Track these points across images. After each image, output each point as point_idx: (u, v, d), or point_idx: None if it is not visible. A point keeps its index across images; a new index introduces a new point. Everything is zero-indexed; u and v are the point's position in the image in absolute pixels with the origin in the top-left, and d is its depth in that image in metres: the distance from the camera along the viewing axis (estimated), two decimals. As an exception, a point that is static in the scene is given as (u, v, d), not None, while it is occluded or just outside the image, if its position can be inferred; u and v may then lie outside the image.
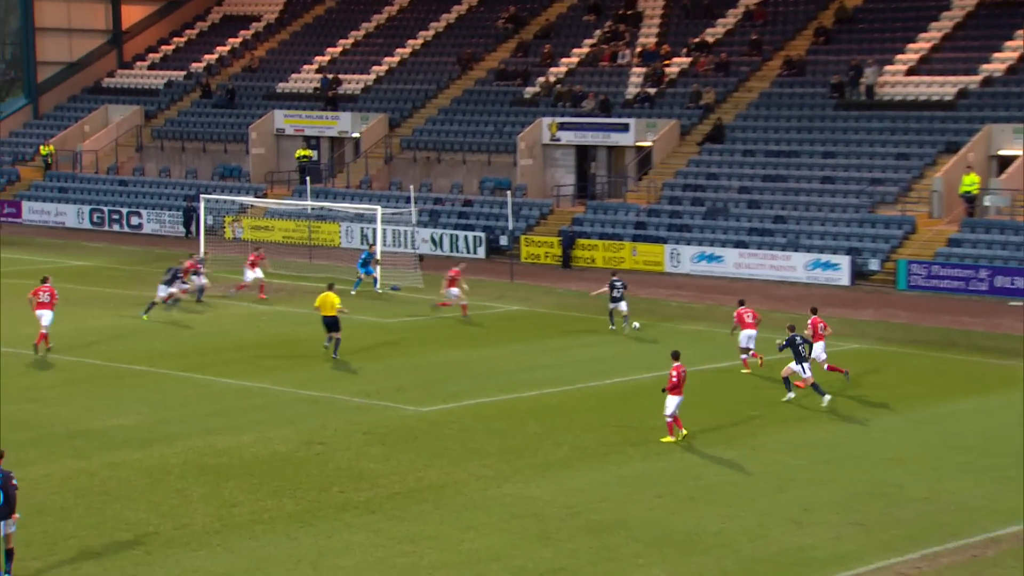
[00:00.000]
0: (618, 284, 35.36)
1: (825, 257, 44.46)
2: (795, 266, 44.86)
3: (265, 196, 57.79)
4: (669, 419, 23.49)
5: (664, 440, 23.48)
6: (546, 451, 23.22)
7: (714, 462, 22.28)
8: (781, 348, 26.92)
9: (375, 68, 64.19)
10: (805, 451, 23.08)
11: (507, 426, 24.98)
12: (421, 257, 47.17)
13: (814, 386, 26.42)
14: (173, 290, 37.09)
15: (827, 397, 26.30)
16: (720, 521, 19.30)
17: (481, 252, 51.38)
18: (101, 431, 24.01)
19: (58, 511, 19.40)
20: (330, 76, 63.38)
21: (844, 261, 44.08)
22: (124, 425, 24.52)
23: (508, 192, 50.69)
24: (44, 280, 32.14)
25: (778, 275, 44.85)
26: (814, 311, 28.77)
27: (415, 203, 49.09)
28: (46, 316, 31.16)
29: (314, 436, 23.99)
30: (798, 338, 26.61)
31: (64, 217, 60.33)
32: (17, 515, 16.81)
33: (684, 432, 23.55)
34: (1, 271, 45.34)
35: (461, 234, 51.88)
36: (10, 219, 60.66)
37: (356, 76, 63.89)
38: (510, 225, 49.55)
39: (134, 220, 59.06)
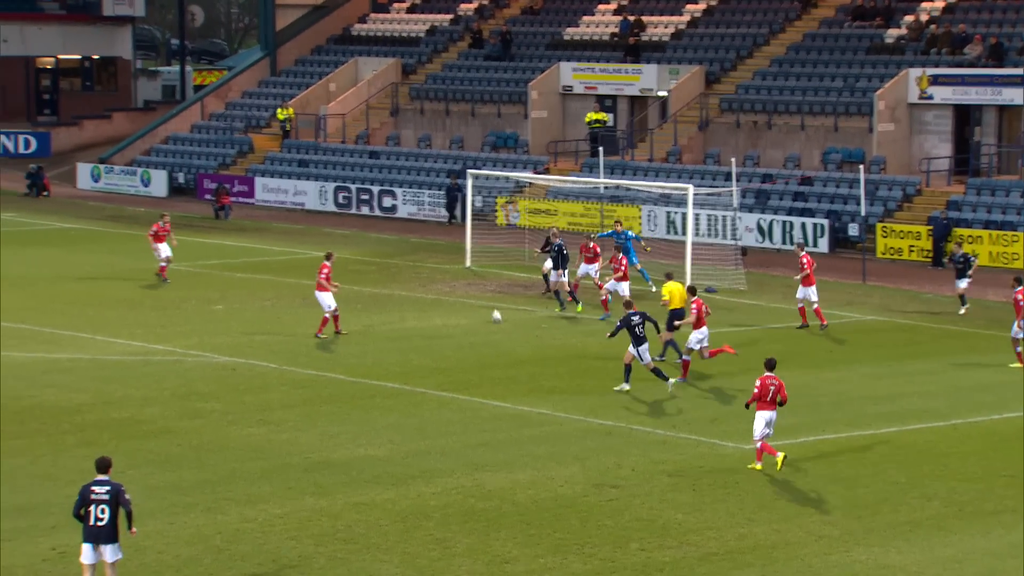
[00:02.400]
0: (959, 256, 37.24)
1: None
2: None
3: (547, 171, 58.79)
4: (758, 443, 24.25)
5: (752, 467, 24.35)
6: (910, 506, 22.72)
7: None
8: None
9: (689, 8, 64.17)
10: None
11: (857, 472, 24.59)
12: (744, 250, 46.91)
13: None
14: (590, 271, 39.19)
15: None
16: None
17: (823, 244, 50.62)
18: (346, 463, 24.99)
19: (296, 561, 20.28)
20: (631, 18, 63.76)
21: None
22: (373, 456, 25.43)
23: (861, 167, 49.72)
24: (327, 257, 36.37)
25: None
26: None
27: (737, 181, 48.88)
28: (326, 298, 35.32)
29: (606, 477, 24.23)
30: None
31: (303, 197, 63.16)
32: (135, 530, 18.27)
33: (781, 456, 24.14)
34: (230, 263, 47.90)
35: (797, 221, 51.29)
36: (241, 199, 63.96)
37: (664, 18, 64.07)
38: (863, 210, 48.58)
39: (387, 201, 61.23)
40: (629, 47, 61.90)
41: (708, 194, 48.85)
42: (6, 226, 55.87)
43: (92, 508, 17.99)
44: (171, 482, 23.52)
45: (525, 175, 56.15)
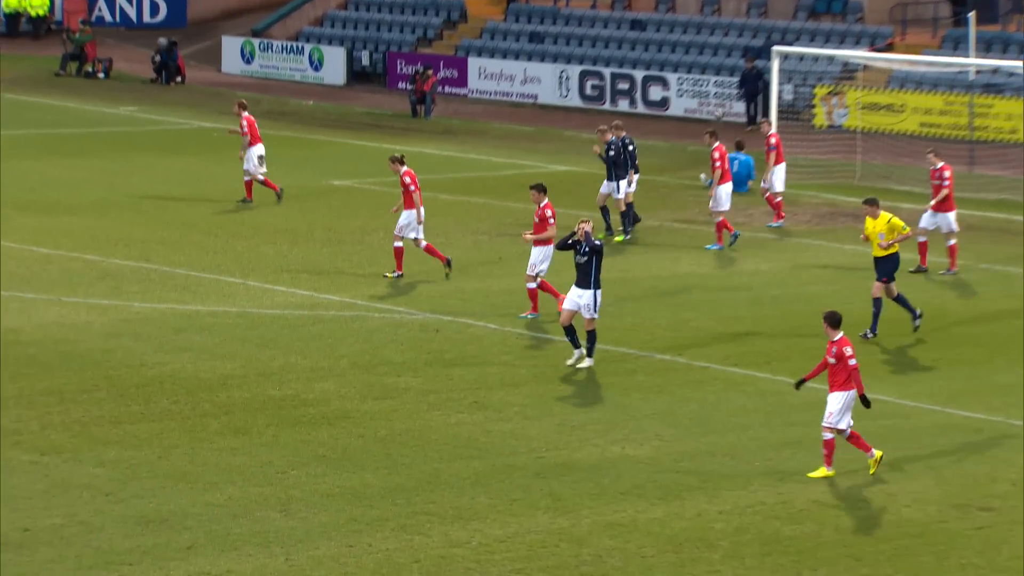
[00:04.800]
0: None
1: None
2: None
3: (890, 48, 58.03)
4: (829, 435, 24.84)
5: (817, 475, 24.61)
6: None
7: None
8: None
9: None
10: None
11: None
12: None
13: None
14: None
15: None
16: None
17: None
18: (595, 467, 25.04)
19: (522, 600, 20.60)
20: None
21: None
22: (633, 457, 25.52)
23: None
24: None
25: None
26: None
27: None
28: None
29: (974, 495, 23.89)
30: None
31: (535, 86, 63.53)
32: None
33: (876, 456, 24.81)
34: (432, 180, 48.39)
35: None
36: (449, 88, 64.58)
37: None
38: None
39: (655, 92, 61.37)
40: None
41: None
42: (126, 124, 57.47)
43: None
44: (351, 488, 23.92)
45: (857, 53, 55.43)
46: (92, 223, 41.38)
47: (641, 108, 61.10)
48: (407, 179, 36.37)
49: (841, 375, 24.74)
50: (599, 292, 29.78)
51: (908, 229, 32.72)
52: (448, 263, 36.34)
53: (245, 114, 43.90)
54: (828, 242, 40.31)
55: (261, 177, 43.68)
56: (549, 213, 32.59)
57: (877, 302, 32.33)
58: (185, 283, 35.63)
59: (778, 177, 42.30)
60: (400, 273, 36.26)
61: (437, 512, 23.02)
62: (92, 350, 30.64)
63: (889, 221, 32.33)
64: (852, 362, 24.68)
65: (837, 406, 24.72)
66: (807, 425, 27.02)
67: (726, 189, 40.04)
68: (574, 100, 62.49)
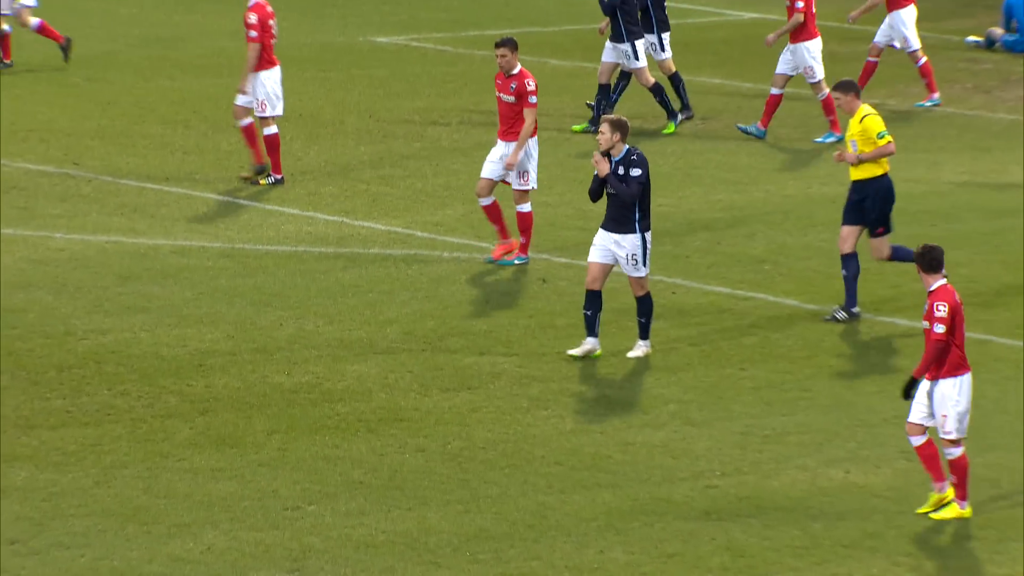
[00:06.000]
0: None
1: None
2: None
3: None
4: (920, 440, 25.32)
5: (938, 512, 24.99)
6: None
7: None
8: None
9: None
10: None
11: None
12: None
13: None
14: None
15: None
16: None
17: None
18: (803, 501, 25.41)
19: None
20: None
21: None
22: (867, 486, 25.81)
23: None
24: None
25: None
26: None
27: None
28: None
29: None
30: None
31: None
32: None
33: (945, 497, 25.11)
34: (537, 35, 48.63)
35: None
36: None
37: None
38: None
39: None
40: None
41: None
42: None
43: None
44: (405, 534, 24.14)
45: None
46: (-14, 103, 41.78)
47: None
48: (252, 19, 37.23)
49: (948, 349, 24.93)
50: (648, 236, 29.90)
51: (890, 139, 31.55)
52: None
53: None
54: None
55: (34, 21, 43.70)
56: (532, 87, 33.24)
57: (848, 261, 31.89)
58: (138, 202, 35.98)
59: (907, 30, 42.63)
60: (278, 177, 37.17)
61: (543, 573, 23.28)
62: (-12, 310, 31.01)
63: (863, 120, 31.67)
64: (938, 329, 24.83)
65: (954, 405, 24.89)
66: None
67: (816, 45, 40.94)
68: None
